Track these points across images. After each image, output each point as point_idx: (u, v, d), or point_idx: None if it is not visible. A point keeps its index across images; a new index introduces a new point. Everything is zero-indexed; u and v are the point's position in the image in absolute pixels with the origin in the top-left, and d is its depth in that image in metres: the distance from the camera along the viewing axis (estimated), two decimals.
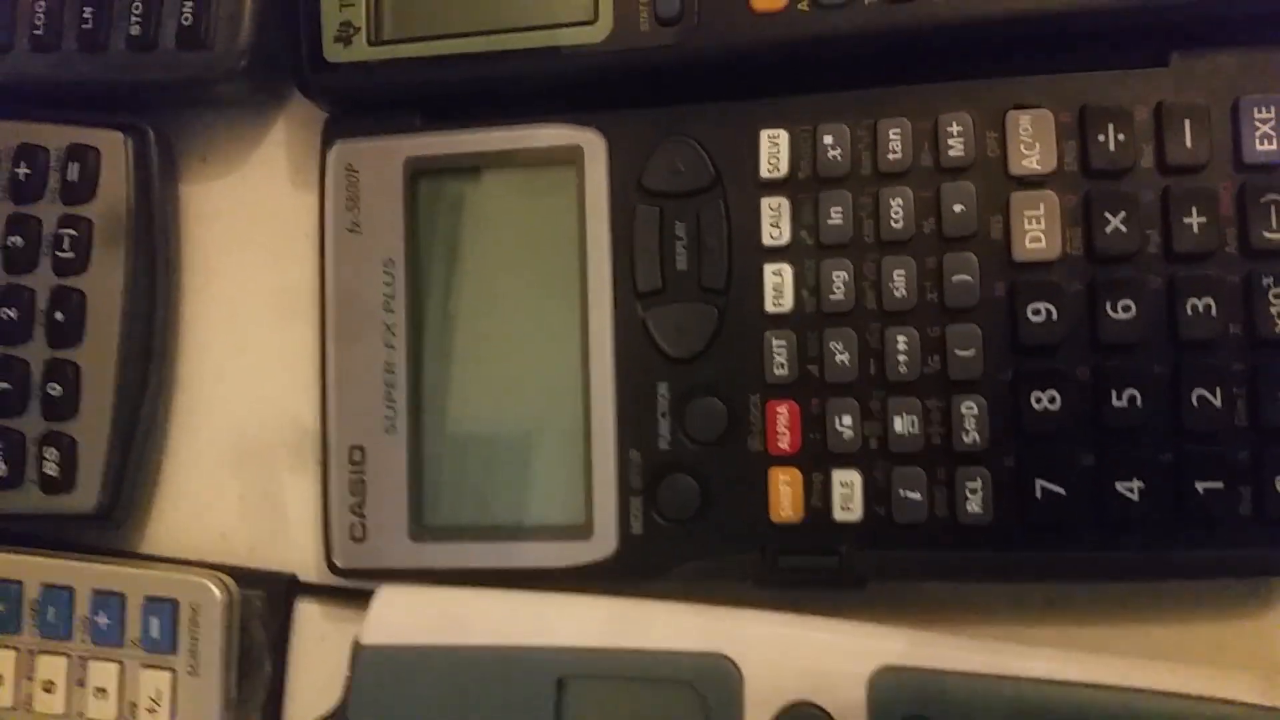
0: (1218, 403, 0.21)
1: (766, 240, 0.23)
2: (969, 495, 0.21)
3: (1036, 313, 0.21)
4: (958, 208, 0.22)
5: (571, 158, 0.23)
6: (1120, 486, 0.21)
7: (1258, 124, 0.21)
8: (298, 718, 0.25)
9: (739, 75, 0.23)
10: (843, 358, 0.22)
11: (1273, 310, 0.21)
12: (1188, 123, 0.21)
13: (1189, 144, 0.21)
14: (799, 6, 0.22)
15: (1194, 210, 0.21)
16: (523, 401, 0.24)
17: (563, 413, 0.23)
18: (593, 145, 0.23)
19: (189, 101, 0.27)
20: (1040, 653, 0.21)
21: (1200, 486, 0.21)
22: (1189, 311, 0.21)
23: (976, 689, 0.20)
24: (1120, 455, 0.21)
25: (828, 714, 0.20)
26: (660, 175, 0.23)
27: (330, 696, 0.23)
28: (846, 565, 0.22)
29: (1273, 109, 0.21)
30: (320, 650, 0.25)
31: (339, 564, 0.24)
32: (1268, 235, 0.21)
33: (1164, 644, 0.22)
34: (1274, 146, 0.21)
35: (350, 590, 0.25)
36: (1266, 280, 0.21)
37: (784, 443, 0.22)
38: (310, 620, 0.26)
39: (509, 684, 0.22)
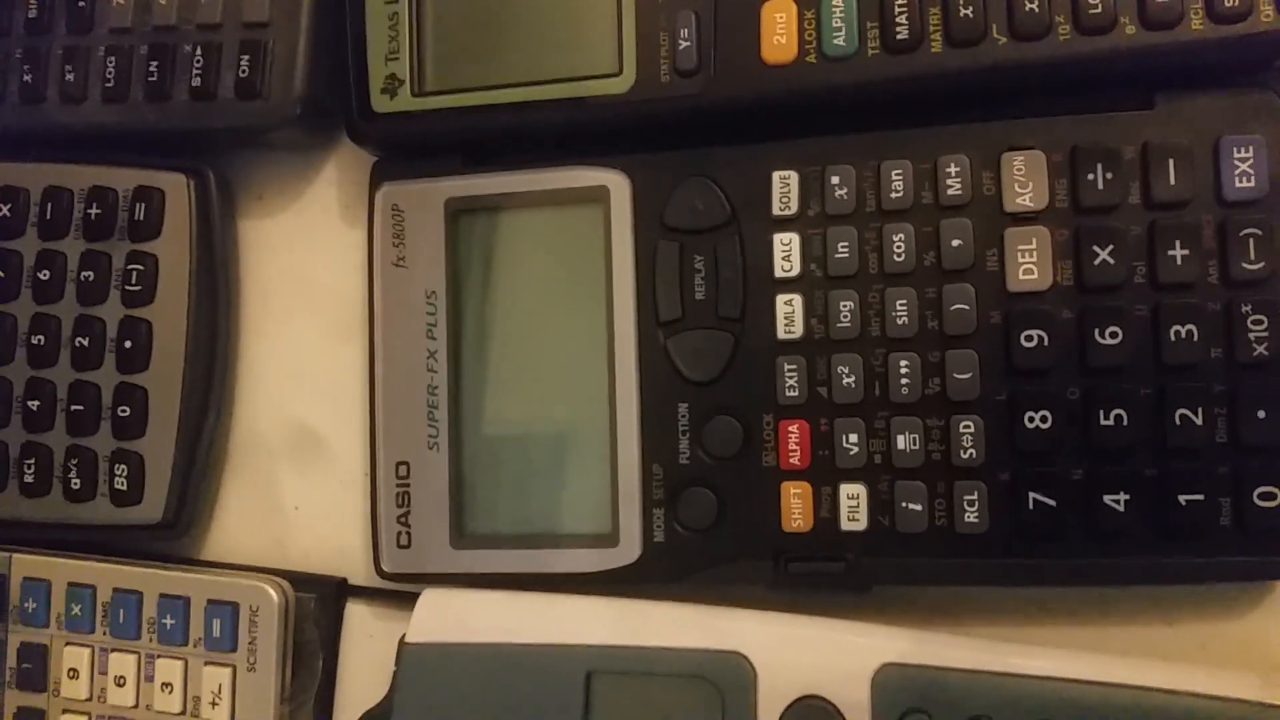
0: (1199, 421, 0.22)
1: (778, 272, 0.24)
2: (966, 507, 0.23)
3: (1029, 339, 0.23)
4: (956, 242, 0.23)
5: (598, 197, 0.25)
6: (1108, 499, 0.22)
7: (1237, 163, 0.22)
8: (348, 711, 0.27)
9: (753, 121, 0.25)
10: (849, 380, 0.24)
11: (1251, 336, 0.22)
12: (1172, 162, 0.23)
13: (1173, 181, 0.23)
14: (807, 59, 0.24)
15: (1178, 243, 0.22)
16: (554, 421, 0.26)
17: (591, 431, 0.25)
18: (618, 185, 0.25)
19: (246, 145, 0.29)
20: (1036, 651, 0.22)
21: (1183, 499, 0.22)
22: (1173, 337, 0.22)
23: (974, 685, 0.22)
24: (1108, 470, 0.22)
25: (834, 707, 0.22)
26: (680, 213, 0.25)
27: (378, 692, 0.25)
28: (852, 571, 0.23)
29: (1251, 148, 0.22)
30: (369, 648, 0.28)
31: (386, 569, 0.26)
32: (1246, 266, 0.22)
33: (1154, 644, 0.24)
34: (1252, 184, 0.22)
35: (397, 593, 0.27)
36: (1246, 308, 0.22)
37: (795, 459, 0.24)
38: (360, 621, 0.28)
39: (542, 678, 0.24)
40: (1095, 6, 0.22)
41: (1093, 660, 0.22)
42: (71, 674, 0.27)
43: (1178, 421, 0.22)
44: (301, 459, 0.28)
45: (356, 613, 0.28)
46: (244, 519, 0.29)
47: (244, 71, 0.27)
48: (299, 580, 0.27)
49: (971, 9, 0.22)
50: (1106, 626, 0.24)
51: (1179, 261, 0.22)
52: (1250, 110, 0.23)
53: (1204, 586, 0.24)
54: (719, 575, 0.24)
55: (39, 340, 0.28)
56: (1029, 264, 0.23)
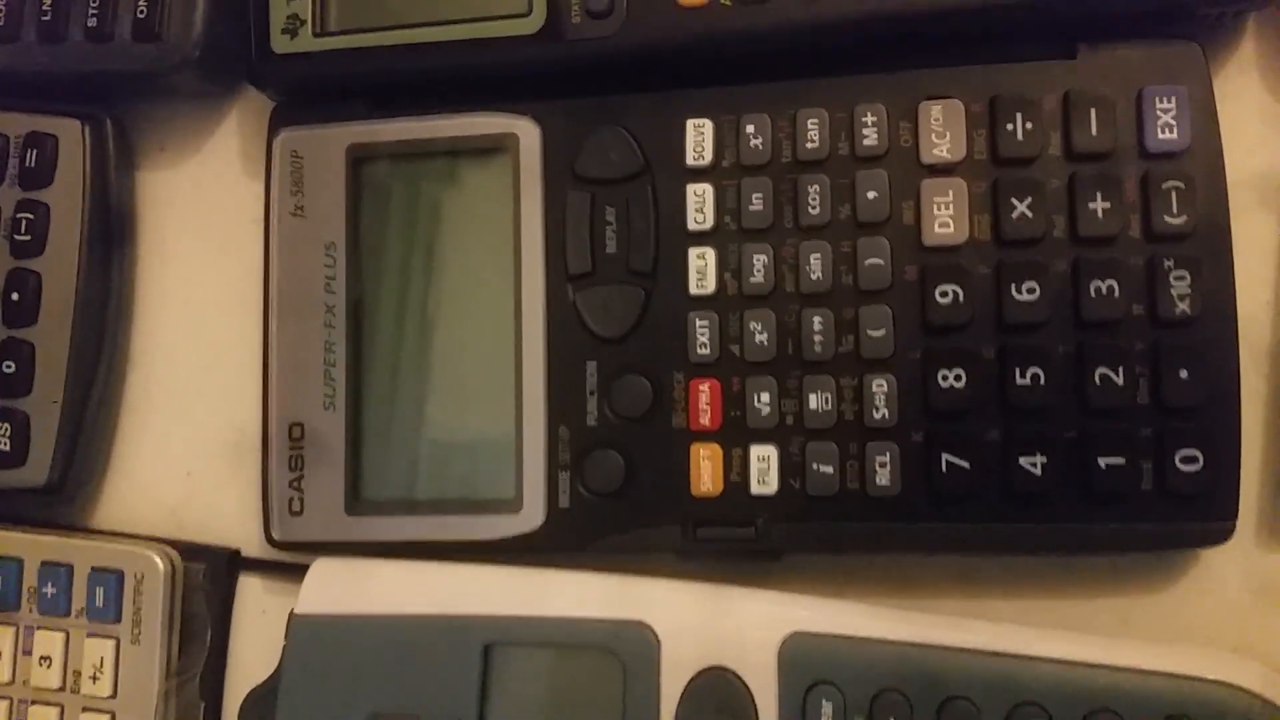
0: (1120, 381, 0.21)
1: (691, 225, 0.23)
2: (878, 469, 0.22)
3: (944, 294, 0.22)
4: (871, 194, 0.22)
5: (507, 145, 0.24)
6: (1024, 461, 0.21)
7: (1160, 114, 0.22)
8: (239, 687, 0.25)
9: (667, 67, 0.24)
10: (762, 338, 0.23)
11: (1174, 292, 0.21)
12: (1094, 112, 0.22)
13: (1095, 132, 0.22)
14: (722, 2, 0.23)
15: (1099, 196, 0.22)
16: (457, 380, 0.25)
17: (495, 391, 0.24)
18: (527, 133, 0.24)
19: (145, 92, 0.27)
20: (950, 621, 0.21)
21: (1103, 462, 0.21)
22: (1093, 293, 0.21)
23: (884, 656, 0.21)
24: (1024, 431, 0.22)
25: (740, 678, 0.21)
26: (592, 162, 0.24)
27: (271, 667, 0.24)
28: (762, 536, 0.22)
29: (1174, 99, 0.22)
30: (262, 623, 0.26)
31: (277, 537, 0.25)
32: (1169, 220, 0.21)
33: (1075, 617, 0.23)
34: (1175, 135, 0.22)
35: (292, 565, 0.26)
36: (1168, 263, 0.21)
37: (705, 419, 0.23)
38: (253, 594, 0.26)
39: (438, 651, 0.22)
40: None
41: (1009, 632, 0.21)
42: None
43: (1097, 381, 0.21)
44: (196, 424, 0.27)
45: (250, 586, 0.26)
46: (136, 485, 0.27)
47: (142, 12, 0.26)
48: (188, 550, 0.26)
49: None
50: (1025, 599, 0.23)
51: (1100, 214, 0.22)
52: (1174, 61, 0.22)
53: (1126, 558, 0.23)
54: (626, 542, 0.23)
55: None
56: (945, 217, 0.22)
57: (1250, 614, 0.22)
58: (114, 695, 0.25)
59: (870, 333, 0.22)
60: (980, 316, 0.22)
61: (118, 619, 0.25)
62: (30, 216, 0.26)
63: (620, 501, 0.23)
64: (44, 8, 0.26)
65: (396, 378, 0.25)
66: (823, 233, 0.23)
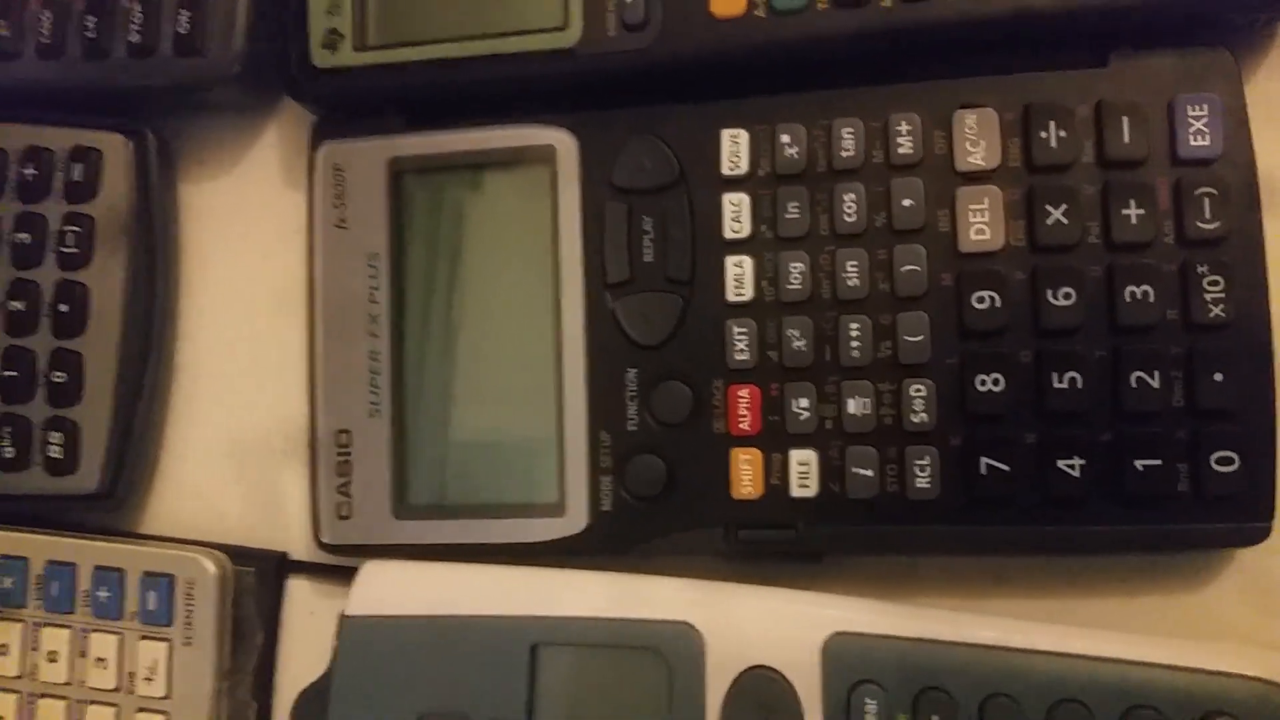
0: (1155, 384, 0.22)
1: (728, 233, 0.24)
2: (918, 472, 0.22)
3: (981, 300, 0.22)
4: (907, 202, 0.23)
5: (545, 156, 0.25)
6: (1062, 464, 0.22)
7: (1191, 121, 0.22)
8: (288, 690, 0.26)
9: (702, 77, 0.24)
10: (800, 344, 0.23)
11: (1208, 297, 0.22)
12: (1126, 120, 0.22)
13: (1127, 140, 0.22)
14: (756, 13, 0.23)
15: (1132, 203, 0.22)
16: (499, 387, 0.25)
17: (537, 397, 0.24)
18: (565, 144, 0.25)
19: (186, 105, 0.28)
20: (991, 620, 0.22)
21: (1139, 464, 0.22)
22: (1128, 298, 0.22)
23: (927, 655, 0.21)
24: (1062, 434, 0.22)
25: (784, 677, 0.22)
26: (628, 173, 0.24)
27: (320, 668, 0.24)
28: (803, 538, 0.23)
29: (1205, 107, 0.22)
30: (310, 624, 0.27)
31: (326, 540, 0.25)
32: (1202, 226, 0.22)
33: (1113, 615, 0.23)
34: (1207, 143, 0.22)
35: (339, 568, 0.26)
36: (1201, 268, 0.22)
37: (745, 424, 0.23)
38: (301, 596, 0.27)
39: (485, 651, 0.23)
40: None
41: (1049, 630, 0.22)
42: (1, 650, 0.27)
43: (1133, 384, 0.22)
44: (244, 431, 0.28)
45: (298, 589, 0.27)
46: (183, 492, 0.28)
47: (184, 28, 0.26)
48: (238, 554, 0.26)
49: None
50: (1064, 598, 0.23)
51: (1133, 221, 0.22)
52: (1205, 69, 0.22)
53: (1163, 556, 0.23)
54: (668, 545, 0.24)
55: None
56: (981, 224, 0.23)
57: None
58: (168, 696, 0.26)
59: (908, 338, 0.23)
60: (1017, 322, 0.22)
61: (170, 622, 0.26)
62: (77, 229, 0.27)
63: (662, 505, 0.24)
64: (87, 24, 0.26)
65: (440, 385, 0.25)
66: (859, 240, 0.23)
